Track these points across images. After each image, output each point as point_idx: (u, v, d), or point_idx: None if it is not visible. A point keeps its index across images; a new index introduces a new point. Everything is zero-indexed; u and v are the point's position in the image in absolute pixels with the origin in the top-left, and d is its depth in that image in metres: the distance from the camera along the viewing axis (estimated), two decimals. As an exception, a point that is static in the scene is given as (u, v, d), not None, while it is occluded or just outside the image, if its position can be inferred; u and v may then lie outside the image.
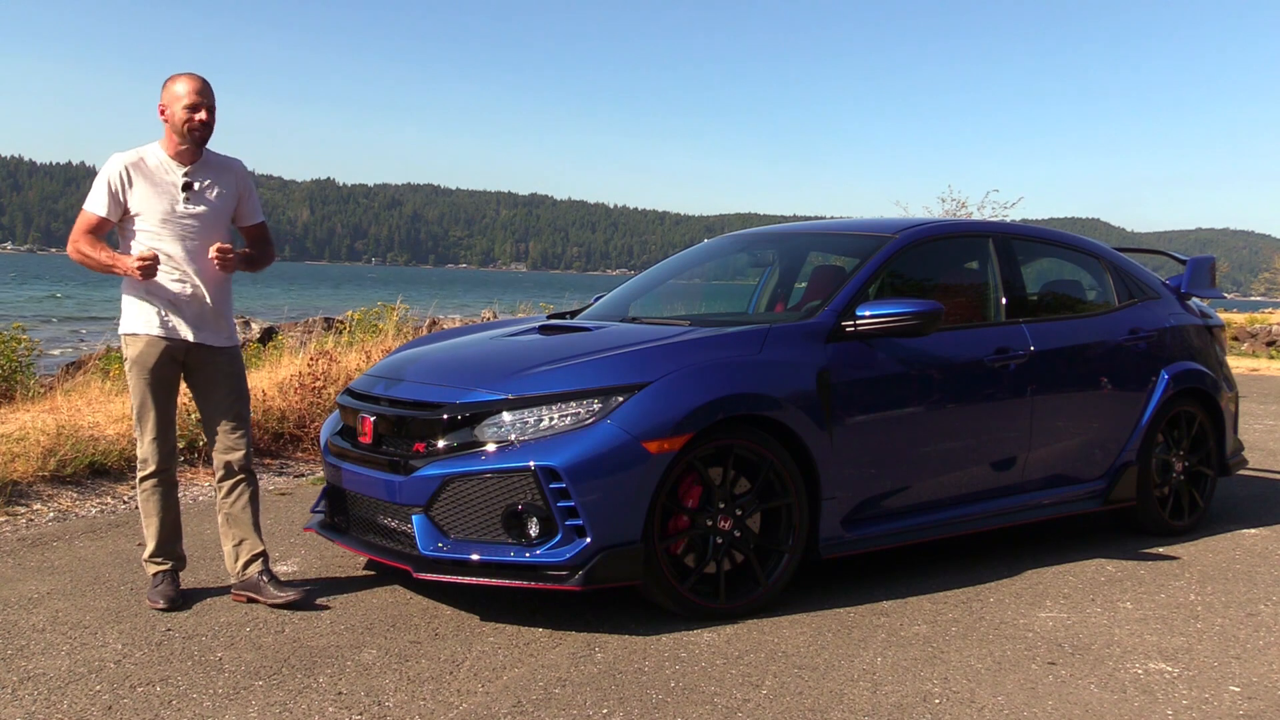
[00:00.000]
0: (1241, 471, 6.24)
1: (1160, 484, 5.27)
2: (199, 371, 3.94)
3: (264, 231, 4.12)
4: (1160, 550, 5.00)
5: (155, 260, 3.70)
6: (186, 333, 3.86)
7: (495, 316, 13.10)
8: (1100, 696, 3.21)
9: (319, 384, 7.38)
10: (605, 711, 3.03)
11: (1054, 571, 4.58)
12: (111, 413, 6.55)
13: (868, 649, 3.57)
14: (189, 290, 3.84)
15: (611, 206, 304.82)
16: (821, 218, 6.53)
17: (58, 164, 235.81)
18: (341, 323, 11.72)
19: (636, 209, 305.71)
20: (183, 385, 4.01)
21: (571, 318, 5.28)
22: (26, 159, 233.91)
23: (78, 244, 3.79)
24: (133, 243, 3.82)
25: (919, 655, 3.52)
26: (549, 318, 5.45)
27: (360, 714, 2.98)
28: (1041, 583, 4.41)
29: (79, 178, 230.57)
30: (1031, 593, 4.27)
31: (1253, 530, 5.44)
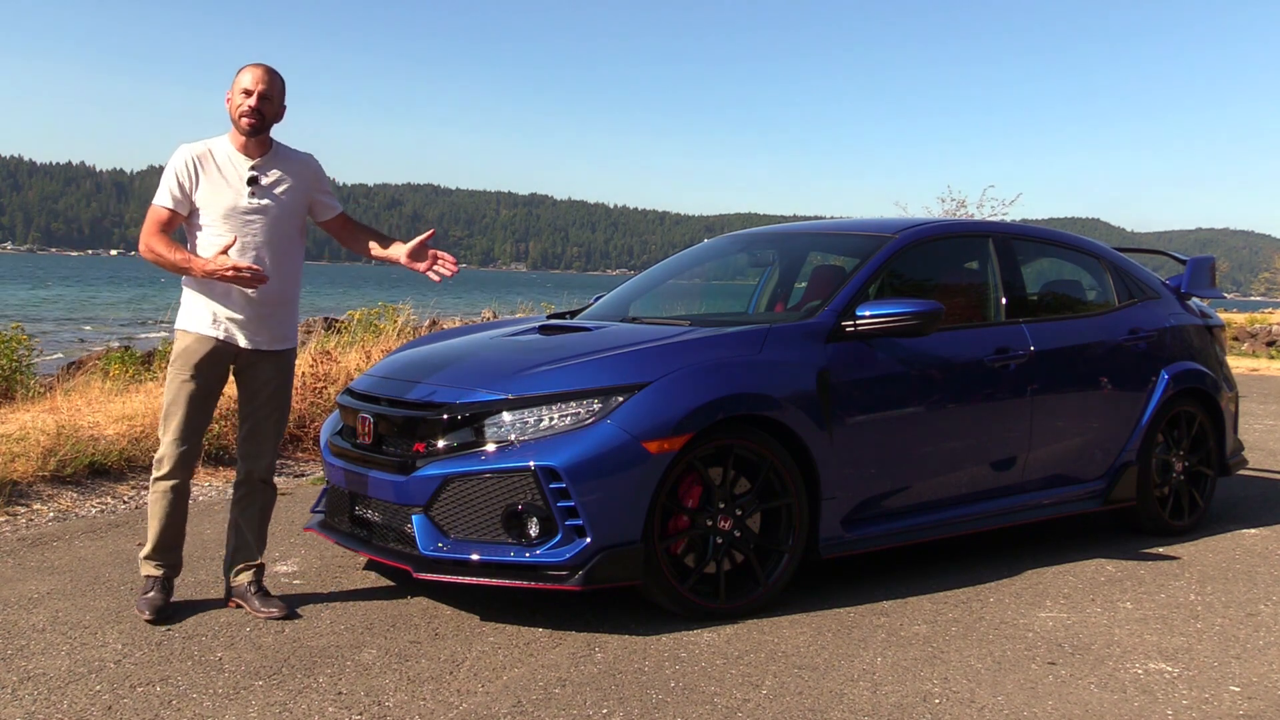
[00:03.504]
0: (1241, 471, 6.24)
1: (1160, 484, 5.27)
2: (249, 375, 3.80)
3: (348, 220, 3.99)
4: (1160, 550, 5.00)
5: (248, 270, 3.56)
6: (240, 338, 3.72)
7: (495, 316, 13.10)
8: (1100, 696, 3.21)
9: (319, 384, 7.38)
10: (605, 711, 3.03)
11: (1054, 571, 4.58)
12: (111, 413, 6.55)
13: (868, 649, 3.57)
14: (251, 289, 3.69)
15: (611, 206, 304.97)
16: (821, 218, 6.53)
17: (58, 164, 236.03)
18: (342, 323, 11.72)
19: (636, 209, 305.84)
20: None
21: (571, 318, 5.28)
22: (26, 159, 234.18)
23: (149, 242, 3.64)
24: (197, 237, 3.70)
25: (919, 655, 3.52)
26: (549, 318, 5.45)
27: (360, 714, 2.98)
28: (1041, 583, 4.41)
29: (79, 178, 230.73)
30: (1031, 593, 4.27)
31: (1253, 530, 5.44)
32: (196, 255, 3.65)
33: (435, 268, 3.89)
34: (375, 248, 3.99)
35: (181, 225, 3.75)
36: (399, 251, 3.92)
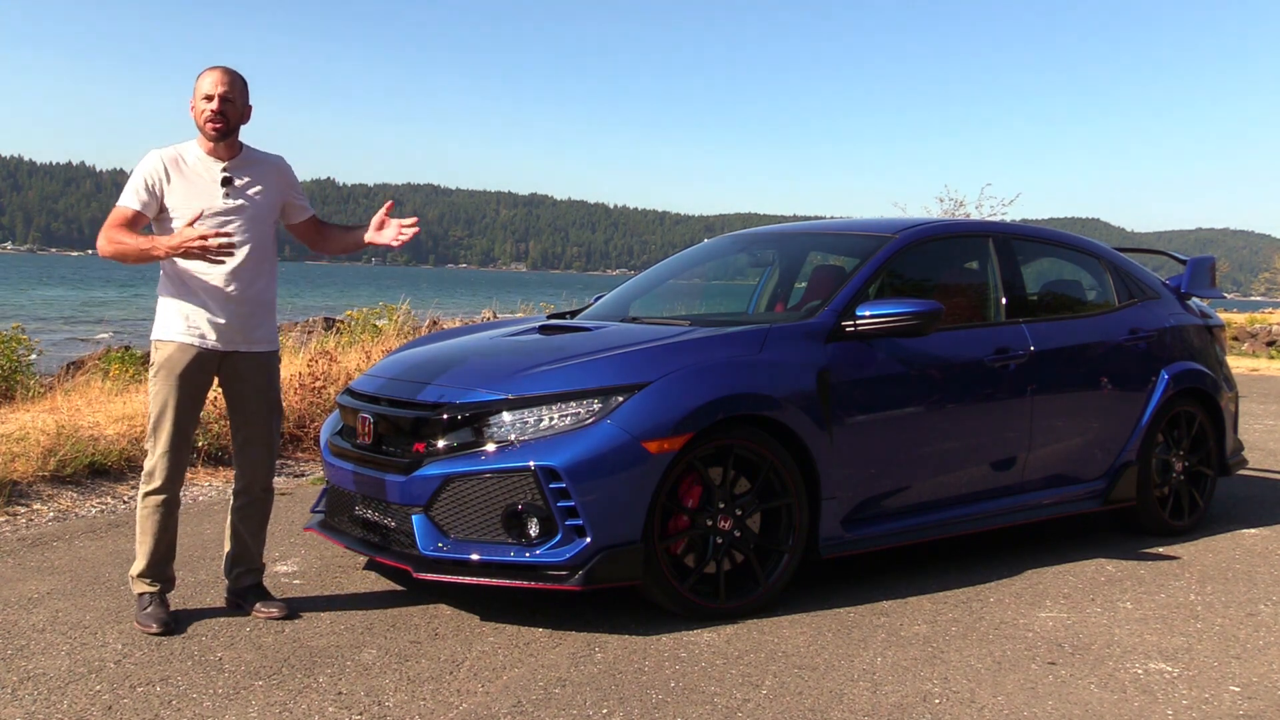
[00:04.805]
0: (1241, 471, 6.24)
1: (1160, 484, 5.27)
2: (233, 381, 3.77)
3: (318, 222, 3.97)
4: (1160, 550, 5.00)
5: (213, 239, 3.45)
6: (221, 342, 3.67)
7: (495, 316, 13.10)
8: (1100, 696, 3.21)
9: (319, 384, 7.39)
10: (605, 711, 3.03)
11: (1054, 571, 4.58)
12: (111, 413, 6.56)
13: (868, 649, 3.57)
14: (228, 290, 3.65)
15: (611, 206, 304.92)
16: (821, 218, 6.53)
17: (58, 164, 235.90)
18: (342, 323, 11.73)
19: (636, 209, 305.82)
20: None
21: (571, 318, 5.28)
22: (26, 159, 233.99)
23: (110, 234, 3.56)
24: None
25: (919, 655, 3.52)
26: (549, 318, 5.45)
27: (360, 714, 2.98)
28: (1041, 583, 4.41)
29: (79, 178, 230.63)
30: (1031, 593, 4.27)
31: (1253, 530, 5.44)
32: (158, 237, 3.57)
33: (395, 237, 3.85)
34: (346, 240, 3.98)
35: (151, 228, 3.71)
36: (365, 233, 3.92)
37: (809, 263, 5.49)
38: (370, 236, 3.92)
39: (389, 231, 3.87)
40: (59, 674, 3.22)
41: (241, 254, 3.68)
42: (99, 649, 3.43)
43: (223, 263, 3.59)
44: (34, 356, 8.43)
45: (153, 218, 3.69)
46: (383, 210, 3.90)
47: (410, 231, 3.87)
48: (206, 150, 3.72)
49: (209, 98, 3.65)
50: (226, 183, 3.69)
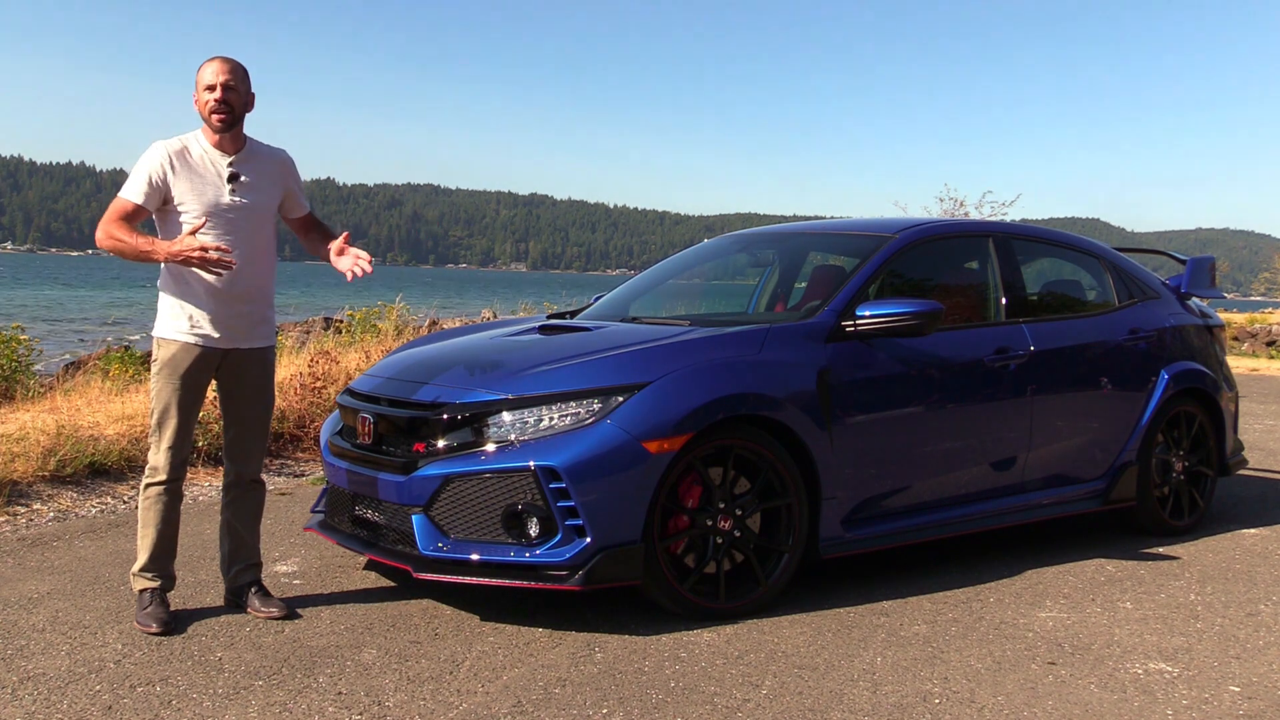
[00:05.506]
0: (1241, 471, 6.24)
1: (1160, 484, 5.27)
2: (231, 374, 3.77)
3: (313, 219, 3.97)
4: (1160, 550, 5.00)
5: (213, 252, 3.45)
6: (224, 340, 3.68)
7: (495, 316, 13.10)
8: (1100, 696, 3.21)
9: (319, 384, 7.38)
10: (605, 711, 3.03)
11: (1054, 571, 4.58)
12: (111, 413, 6.55)
13: (868, 649, 3.57)
14: (232, 287, 3.65)
15: (611, 206, 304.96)
16: (821, 218, 6.53)
17: (58, 164, 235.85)
18: (341, 323, 11.73)
19: (636, 209, 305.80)
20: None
21: (571, 318, 5.28)
22: (26, 159, 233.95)
23: (109, 229, 3.56)
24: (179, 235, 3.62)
25: (919, 655, 3.52)
26: (549, 318, 5.45)
27: (360, 714, 2.98)
28: (1041, 583, 4.41)
29: (79, 178, 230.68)
30: (1031, 593, 4.27)
31: (1253, 530, 5.44)
32: (159, 240, 3.57)
33: (352, 267, 3.80)
34: (320, 247, 3.94)
35: (153, 219, 3.69)
36: (329, 251, 3.88)
37: (809, 263, 5.49)
38: (332, 259, 3.86)
39: (346, 260, 3.82)
40: (59, 674, 3.22)
41: (245, 251, 3.67)
42: (99, 649, 3.43)
43: (220, 275, 3.59)
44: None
45: (155, 211, 3.66)
46: (340, 239, 3.85)
47: (365, 269, 3.81)
48: (213, 143, 3.70)
49: (211, 88, 3.64)
50: (233, 179, 3.68)
